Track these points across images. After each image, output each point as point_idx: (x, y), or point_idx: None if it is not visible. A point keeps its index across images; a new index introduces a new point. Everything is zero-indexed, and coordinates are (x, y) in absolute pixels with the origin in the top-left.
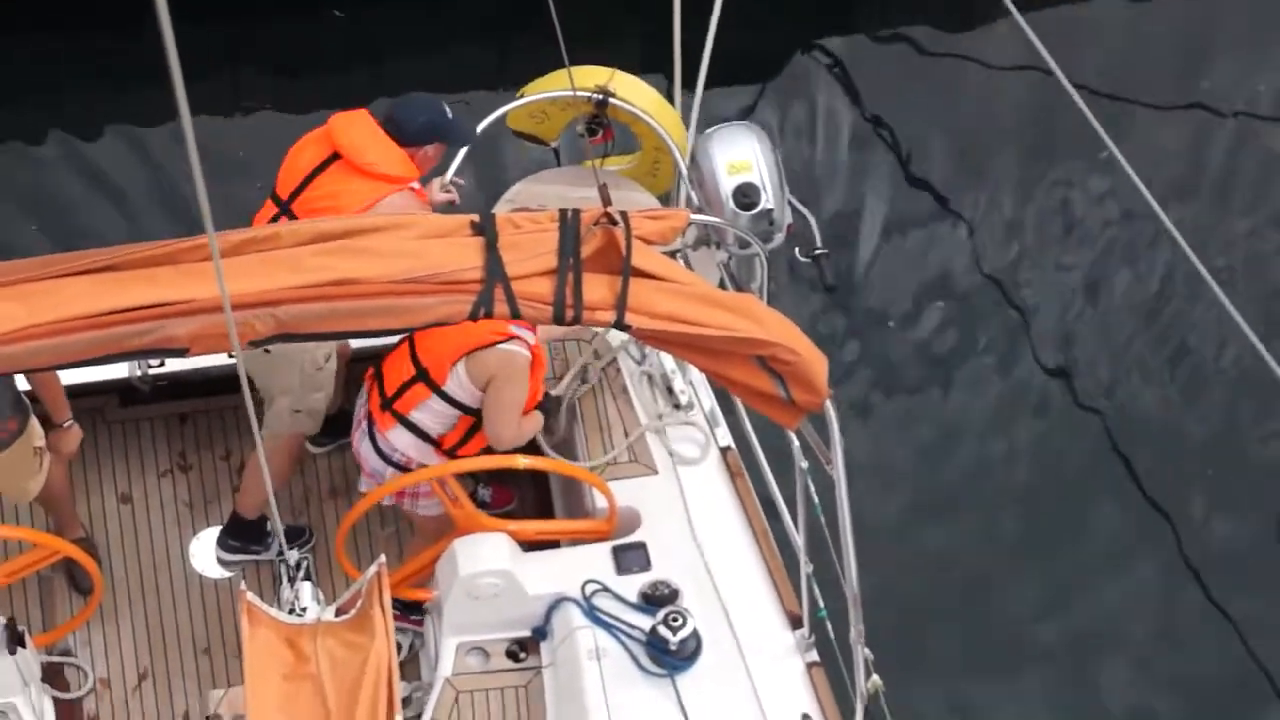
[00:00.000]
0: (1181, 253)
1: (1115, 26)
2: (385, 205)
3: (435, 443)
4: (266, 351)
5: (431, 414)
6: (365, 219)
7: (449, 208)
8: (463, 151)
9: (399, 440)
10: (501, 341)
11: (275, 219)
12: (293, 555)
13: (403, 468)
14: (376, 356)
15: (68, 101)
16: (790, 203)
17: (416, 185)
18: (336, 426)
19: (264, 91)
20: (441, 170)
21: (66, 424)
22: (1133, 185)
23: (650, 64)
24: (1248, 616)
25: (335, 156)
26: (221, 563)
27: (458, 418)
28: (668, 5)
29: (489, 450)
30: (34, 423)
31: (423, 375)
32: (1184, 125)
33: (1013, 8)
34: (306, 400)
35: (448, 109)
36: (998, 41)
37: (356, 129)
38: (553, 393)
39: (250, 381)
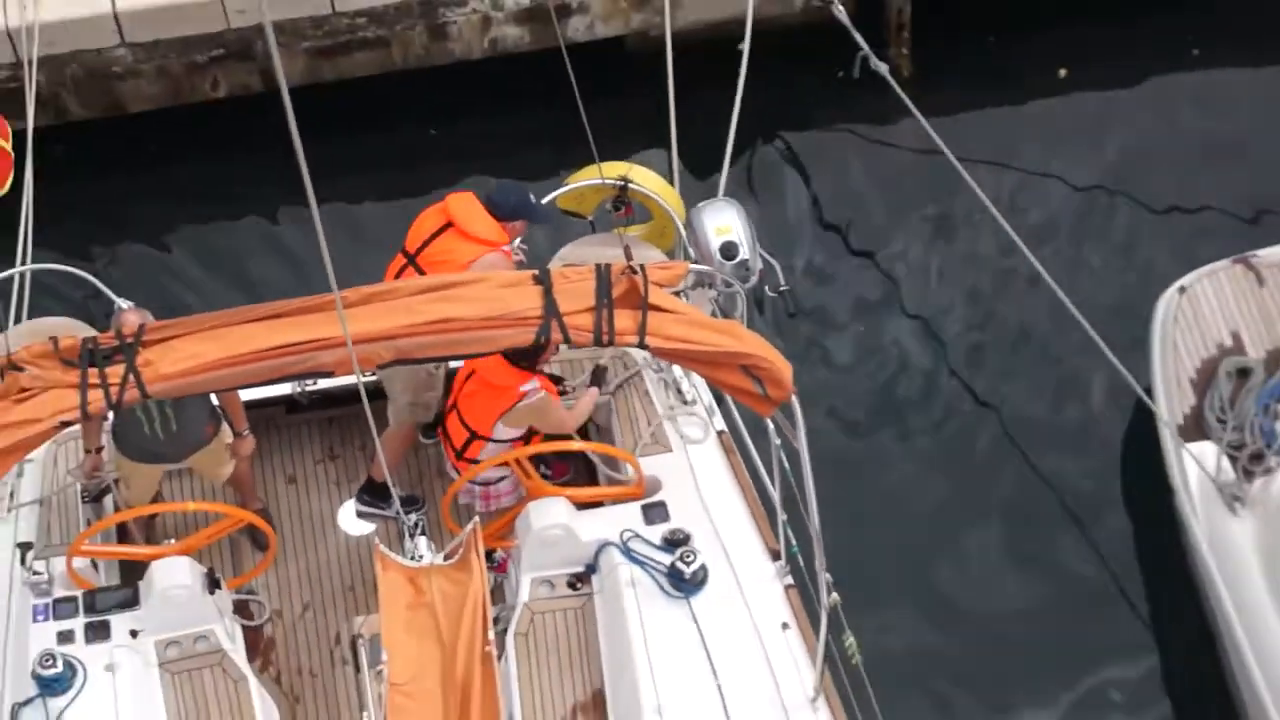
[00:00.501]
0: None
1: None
2: (483, 262)
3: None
4: None
5: (488, 453)
6: (457, 276)
7: (518, 266)
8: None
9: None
10: (520, 400)
11: (403, 268)
12: (412, 517)
13: (484, 483)
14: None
15: (249, 207)
16: (761, 254)
17: (507, 248)
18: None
19: (384, 186)
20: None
21: (244, 433)
22: (1007, 235)
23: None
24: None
25: (449, 224)
26: (359, 515)
27: (511, 445)
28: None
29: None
30: (225, 427)
31: (474, 435)
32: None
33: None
34: (422, 396)
35: (532, 195)
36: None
37: (466, 205)
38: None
39: (381, 390)
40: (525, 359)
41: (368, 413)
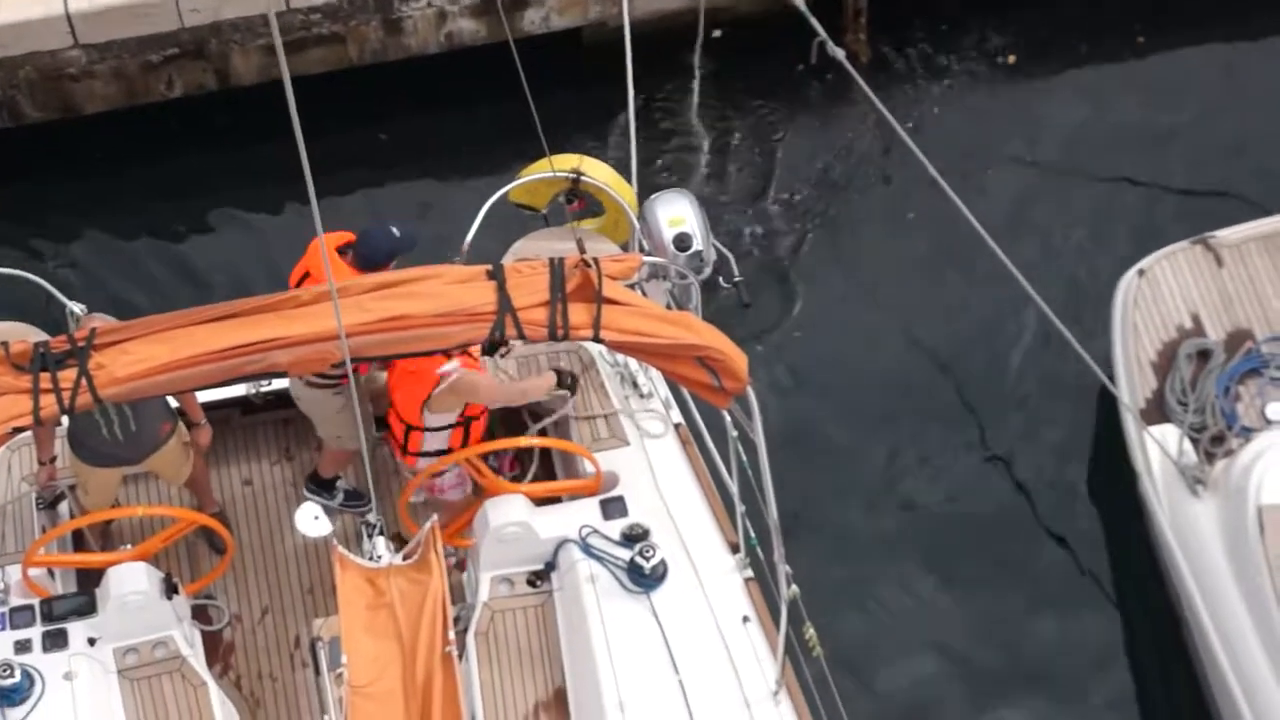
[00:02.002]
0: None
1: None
2: None
3: (447, 451)
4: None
5: (430, 442)
6: (410, 272)
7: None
8: (478, 221)
9: (422, 464)
10: (438, 384)
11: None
12: (372, 517)
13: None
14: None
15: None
16: (714, 245)
17: None
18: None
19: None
20: (461, 238)
21: (202, 423)
22: (966, 221)
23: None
24: None
25: (307, 274)
26: (305, 497)
27: (451, 431)
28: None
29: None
30: (181, 425)
31: (409, 426)
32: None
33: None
34: (329, 429)
35: (395, 230)
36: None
37: (320, 260)
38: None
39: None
40: (484, 354)
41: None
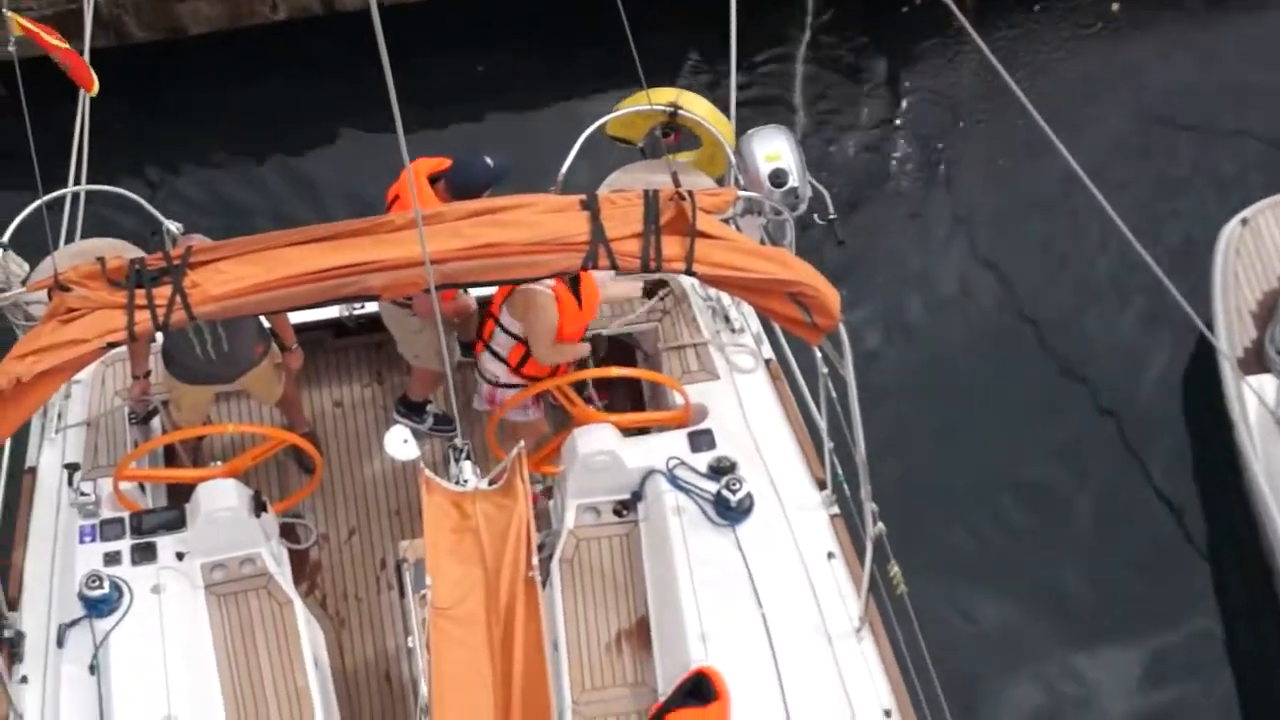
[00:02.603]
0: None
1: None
2: None
3: (504, 361)
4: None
5: (498, 342)
6: (504, 200)
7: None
8: (573, 152)
9: (486, 361)
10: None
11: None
12: (459, 441)
13: (491, 382)
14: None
15: (307, 130)
16: (810, 182)
17: None
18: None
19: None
20: (557, 169)
21: (294, 347)
22: (1069, 170)
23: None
24: None
25: (397, 198)
26: (395, 421)
27: (513, 344)
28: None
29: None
30: (274, 346)
31: (490, 315)
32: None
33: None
34: (411, 349)
35: (489, 160)
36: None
37: (415, 184)
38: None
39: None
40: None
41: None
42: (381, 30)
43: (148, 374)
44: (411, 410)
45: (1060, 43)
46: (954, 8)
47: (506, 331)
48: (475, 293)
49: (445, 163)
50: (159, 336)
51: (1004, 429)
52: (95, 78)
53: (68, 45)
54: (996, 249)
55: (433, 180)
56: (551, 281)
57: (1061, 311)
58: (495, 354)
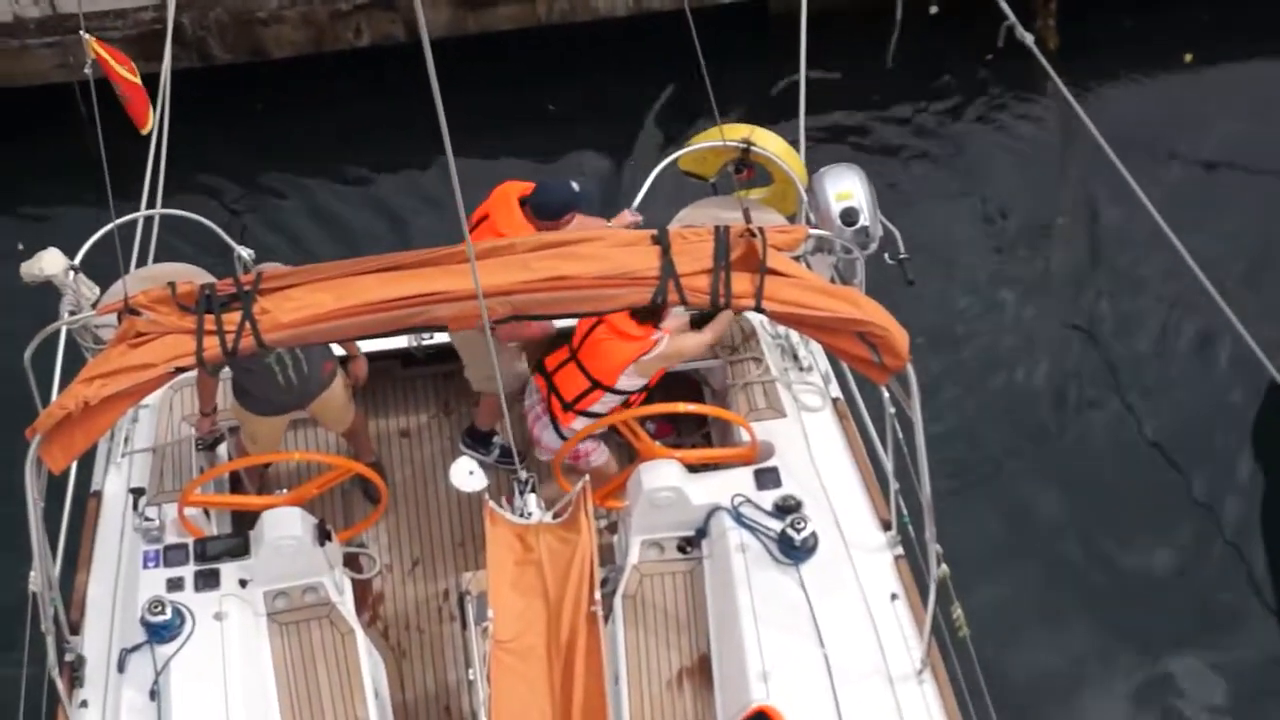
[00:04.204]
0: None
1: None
2: None
3: (605, 415)
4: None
5: (604, 404)
6: (576, 233)
7: (635, 227)
8: (645, 187)
9: (578, 424)
10: (654, 348)
11: None
12: (523, 474)
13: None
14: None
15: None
16: (881, 221)
17: None
18: None
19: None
20: (629, 202)
21: (358, 355)
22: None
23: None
24: None
25: (486, 217)
26: (463, 450)
27: (626, 398)
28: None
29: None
30: (340, 370)
31: (596, 384)
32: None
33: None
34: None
35: (574, 184)
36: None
37: (503, 203)
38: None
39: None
40: (647, 317)
41: (495, 365)
42: (433, 61)
43: (215, 409)
44: (477, 441)
45: (1137, 88)
46: (1036, 51)
47: (619, 392)
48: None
49: (533, 186)
50: (226, 370)
51: (1069, 469)
52: (152, 115)
53: (136, 77)
54: (1074, 294)
55: (523, 202)
56: (662, 332)
57: (1135, 360)
58: (592, 414)
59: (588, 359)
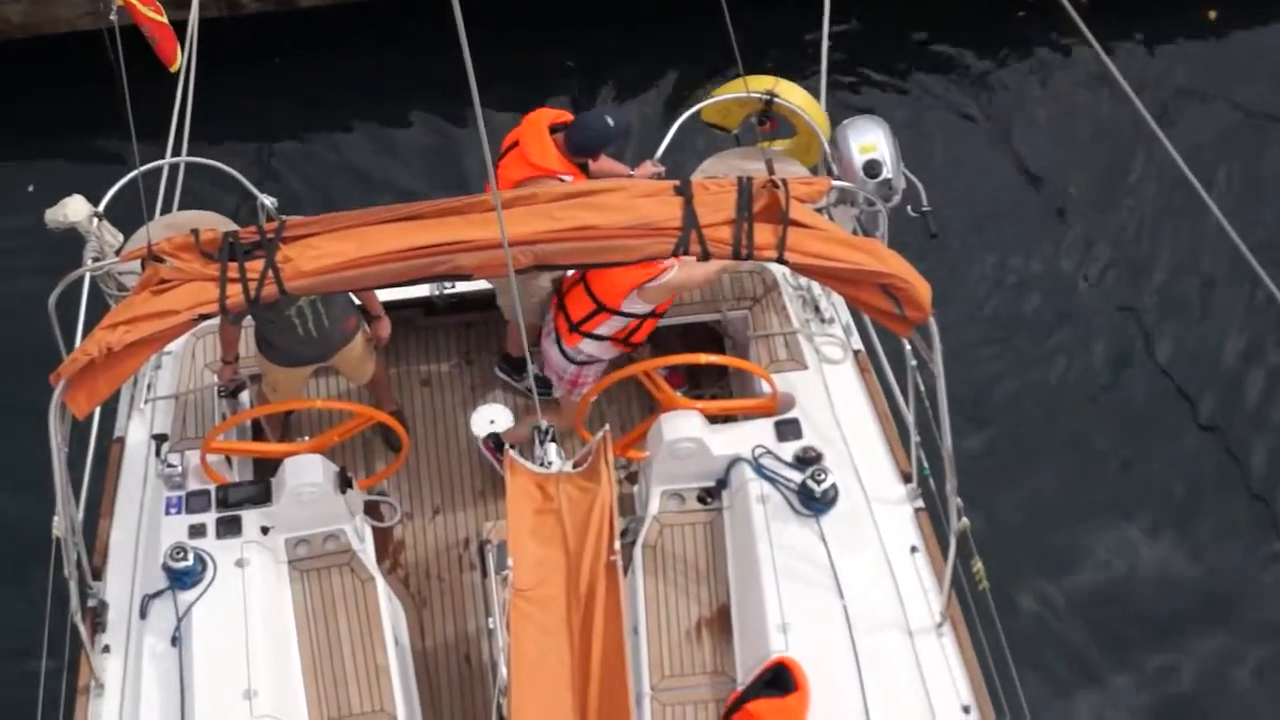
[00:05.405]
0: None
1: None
2: (534, 183)
3: (610, 339)
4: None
5: (609, 327)
6: (598, 184)
7: (658, 178)
8: (668, 137)
9: (585, 346)
10: (663, 274)
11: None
12: (543, 422)
13: (583, 363)
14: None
15: (408, 106)
16: (904, 173)
17: (568, 178)
18: None
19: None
20: (652, 153)
21: (381, 316)
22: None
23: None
24: None
25: (516, 143)
26: (499, 374)
27: (629, 322)
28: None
29: (654, 341)
30: (363, 322)
31: (601, 307)
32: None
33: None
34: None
35: (610, 119)
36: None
37: (534, 130)
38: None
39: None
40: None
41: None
42: (460, 11)
43: (237, 358)
44: (512, 367)
45: (1176, 44)
46: (1067, 5)
47: (626, 314)
48: None
49: (567, 116)
50: (249, 318)
51: (1093, 431)
52: (180, 54)
53: (163, 17)
54: (1099, 250)
55: (553, 130)
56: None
57: (1166, 319)
58: (598, 337)
59: (594, 281)
